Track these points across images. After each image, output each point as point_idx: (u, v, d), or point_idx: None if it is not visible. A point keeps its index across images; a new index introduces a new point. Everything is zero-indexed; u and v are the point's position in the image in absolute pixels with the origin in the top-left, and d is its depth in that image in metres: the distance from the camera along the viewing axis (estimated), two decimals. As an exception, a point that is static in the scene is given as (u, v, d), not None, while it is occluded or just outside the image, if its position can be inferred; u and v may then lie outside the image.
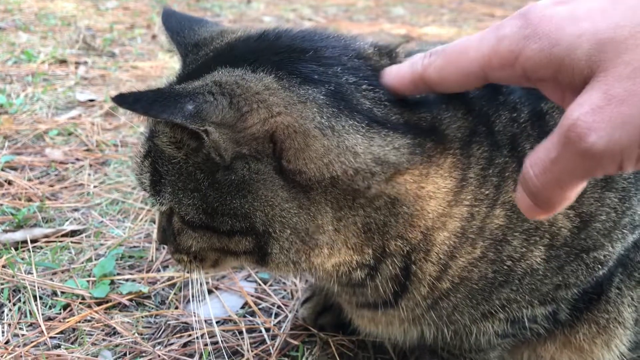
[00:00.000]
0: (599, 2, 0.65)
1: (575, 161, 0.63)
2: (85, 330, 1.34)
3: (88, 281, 1.50)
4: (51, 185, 1.98)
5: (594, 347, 1.18)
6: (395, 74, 0.90)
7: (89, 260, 1.60)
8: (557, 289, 1.08)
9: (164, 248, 1.66)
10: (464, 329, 1.11)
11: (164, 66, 3.44)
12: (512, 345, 1.20)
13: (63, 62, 3.34)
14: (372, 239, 0.96)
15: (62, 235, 1.70)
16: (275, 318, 1.40)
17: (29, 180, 1.98)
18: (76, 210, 1.85)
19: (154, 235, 1.71)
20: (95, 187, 1.99)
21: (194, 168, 0.90)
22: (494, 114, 1.02)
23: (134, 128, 2.50)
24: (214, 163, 0.89)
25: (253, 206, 0.89)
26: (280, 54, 0.92)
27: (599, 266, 1.07)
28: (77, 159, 2.19)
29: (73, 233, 1.72)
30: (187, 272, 1.07)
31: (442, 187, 0.95)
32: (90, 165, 2.14)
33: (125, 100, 0.79)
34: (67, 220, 1.78)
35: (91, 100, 2.80)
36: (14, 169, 2.07)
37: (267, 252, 0.94)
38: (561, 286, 1.08)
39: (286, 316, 1.40)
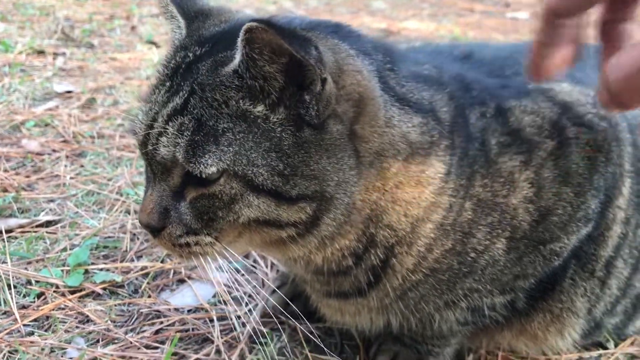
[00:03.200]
0: None
1: None
2: (58, 317, 1.37)
3: (62, 270, 1.52)
4: (27, 176, 1.99)
5: (548, 335, 1.24)
6: None
7: (64, 250, 1.62)
8: (516, 279, 1.14)
9: (138, 238, 1.69)
10: (428, 317, 1.16)
11: (142, 58, 3.44)
12: (472, 332, 1.25)
13: (41, 52, 3.33)
14: (369, 226, 1.01)
15: (37, 226, 1.72)
16: (245, 306, 1.44)
17: (5, 171, 2.00)
18: (52, 201, 1.87)
19: (135, 222, 1.73)
20: (71, 178, 2.01)
21: (275, 125, 0.88)
22: (468, 106, 1.08)
23: (111, 120, 2.51)
24: (301, 120, 0.88)
25: (333, 168, 0.91)
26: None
27: (555, 257, 1.13)
28: (54, 150, 2.20)
29: (48, 223, 1.74)
30: (194, 258, 0.98)
31: (438, 173, 1.01)
32: (67, 157, 2.16)
33: (273, 27, 0.79)
34: (42, 211, 1.80)
35: (69, 92, 2.80)
36: (-10, 159, 2.07)
37: (318, 223, 0.94)
38: (520, 276, 1.13)
39: (256, 305, 1.44)
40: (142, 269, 1.56)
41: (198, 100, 0.88)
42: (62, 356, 1.26)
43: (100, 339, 1.32)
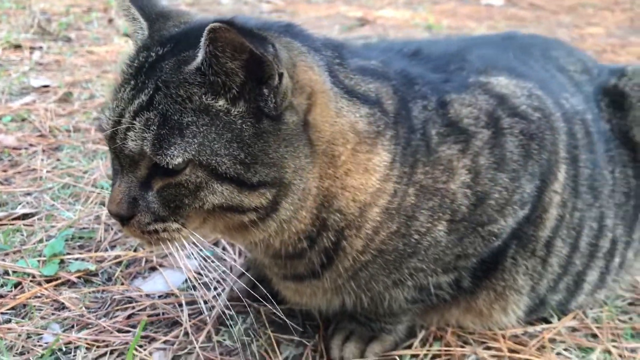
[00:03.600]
0: None
1: None
2: (35, 305, 1.44)
3: (39, 261, 1.59)
4: (4, 171, 2.05)
5: (492, 312, 1.33)
6: None
7: (40, 241, 1.69)
8: (457, 259, 1.22)
9: (112, 229, 1.76)
10: (378, 295, 1.25)
11: (119, 51, 3.48)
12: (422, 310, 1.34)
13: (17, 47, 3.36)
14: (321, 211, 1.10)
15: (15, 219, 1.79)
16: (214, 291, 1.52)
17: (-18, 165, 2.05)
18: (29, 194, 1.93)
19: (107, 213, 1.80)
20: (47, 171, 2.07)
21: (235, 117, 0.95)
22: (411, 100, 1.17)
23: (88, 114, 2.57)
24: (260, 112, 0.96)
25: (290, 156, 1.00)
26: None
27: (494, 238, 1.22)
28: (31, 145, 2.26)
29: (25, 216, 1.81)
30: (162, 244, 1.04)
31: (383, 161, 1.10)
32: (43, 151, 2.21)
33: (235, 27, 0.86)
34: (19, 204, 1.87)
35: (45, 86, 2.84)
36: (-33, 155, 2.13)
37: (277, 207, 1.02)
38: (461, 256, 1.22)
39: (224, 289, 1.52)
40: (115, 258, 1.64)
41: (163, 96, 0.95)
42: (38, 341, 1.34)
43: (75, 325, 1.40)
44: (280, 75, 0.94)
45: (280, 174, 0.99)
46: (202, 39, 0.90)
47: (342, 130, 1.06)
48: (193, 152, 0.93)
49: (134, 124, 0.95)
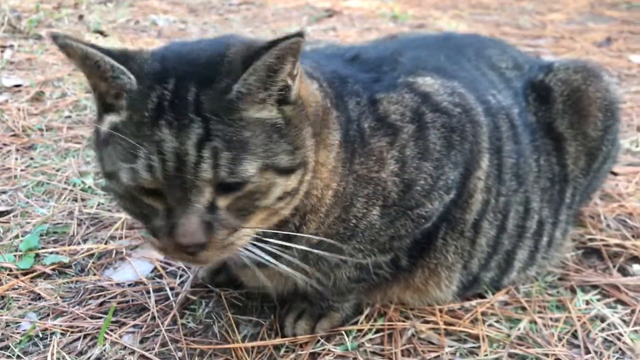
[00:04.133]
0: None
1: None
2: (12, 297, 1.56)
3: (15, 255, 1.71)
4: (-21, 170, 2.15)
5: (428, 287, 1.49)
6: None
7: (16, 237, 1.80)
8: (392, 240, 1.37)
9: (84, 223, 1.88)
10: (325, 275, 1.38)
11: (90, 48, 3.56)
12: (367, 289, 1.49)
13: (-12, 46, 3.43)
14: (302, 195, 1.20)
15: (-9, 216, 1.90)
16: (179, 279, 1.65)
17: (-42, 166, 2.15)
18: (3, 192, 2.04)
19: (82, 209, 1.92)
20: (21, 170, 2.17)
21: (275, 117, 1.07)
22: (346, 95, 1.30)
23: (60, 112, 2.67)
24: (286, 102, 1.08)
25: (306, 134, 1.12)
26: None
27: (423, 220, 1.36)
28: (4, 144, 2.35)
29: (1, 214, 1.92)
30: (232, 251, 1.10)
31: (336, 139, 1.23)
32: (17, 150, 2.32)
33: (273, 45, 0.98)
34: (-5, 202, 1.98)
35: (17, 86, 2.93)
36: (-57, 156, 2.22)
37: (299, 188, 1.13)
38: (395, 237, 1.37)
39: (188, 277, 1.65)
40: (87, 251, 1.76)
41: (216, 124, 1.01)
42: (16, 329, 1.46)
43: (51, 313, 1.52)
44: (294, 76, 1.08)
45: (305, 153, 1.12)
46: (256, 64, 1.00)
47: (315, 101, 1.19)
48: (260, 161, 1.03)
49: (202, 155, 0.99)
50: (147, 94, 1.02)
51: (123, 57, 1.05)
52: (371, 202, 1.30)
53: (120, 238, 1.82)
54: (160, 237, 1.07)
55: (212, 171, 0.99)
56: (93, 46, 1.02)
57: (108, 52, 1.03)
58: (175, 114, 1.00)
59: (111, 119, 1.06)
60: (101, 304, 1.57)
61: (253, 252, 1.15)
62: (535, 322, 1.52)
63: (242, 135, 1.01)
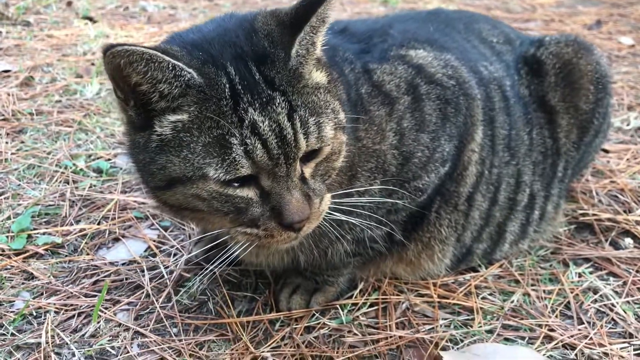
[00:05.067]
0: None
1: None
2: (5, 276, 1.55)
3: (7, 236, 1.70)
4: (-30, 154, 2.13)
5: (421, 261, 1.49)
6: None
7: (8, 218, 1.79)
8: (388, 213, 1.37)
9: (76, 205, 1.87)
10: (324, 250, 1.38)
11: (79, 34, 3.53)
12: (361, 263, 1.49)
13: (-24, 33, 3.39)
14: None
15: (-18, 199, 1.88)
16: (173, 257, 1.65)
17: (-52, 150, 2.13)
18: (-6, 175, 2.03)
19: (74, 191, 1.91)
20: (12, 154, 2.16)
21: (323, 76, 1.12)
22: (340, 61, 1.29)
23: (49, 97, 2.64)
24: (319, 64, 1.12)
25: (342, 93, 1.18)
26: None
27: (420, 193, 1.37)
28: (-6, 129, 2.33)
29: (-8, 196, 1.91)
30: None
31: (344, 100, 1.22)
32: (7, 134, 2.30)
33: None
34: (-14, 185, 1.96)
35: (6, 71, 2.90)
36: None
37: (342, 147, 1.16)
38: (391, 211, 1.37)
39: (182, 255, 1.65)
40: (80, 231, 1.75)
41: (291, 94, 1.04)
42: (10, 308, 1.46)
43: (44, 292, 1.52)
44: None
45: (343, 113, 1.14)
46: (296, 44, 1.05)
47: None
48: (332, 122, 1.07)
49: (296, 128, 1.02)
50: (214, 83, 1.00)
51: (171, 55, 1.01)
52: (373, 176, 1.30)
53: (113, 219, 1.82)
54: (261, 224, 1.06)
55: (304, 140, 1.02)
56: (154, 48, 0.98)
57: (165, 52, 0.99)
58: (252, 95, 1.00)
59: (173, 119, 1.02)
60: (95, 283, 1.56)
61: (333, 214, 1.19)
62: (529, 295, 1.53)
63: (313, 100, 1.06)
